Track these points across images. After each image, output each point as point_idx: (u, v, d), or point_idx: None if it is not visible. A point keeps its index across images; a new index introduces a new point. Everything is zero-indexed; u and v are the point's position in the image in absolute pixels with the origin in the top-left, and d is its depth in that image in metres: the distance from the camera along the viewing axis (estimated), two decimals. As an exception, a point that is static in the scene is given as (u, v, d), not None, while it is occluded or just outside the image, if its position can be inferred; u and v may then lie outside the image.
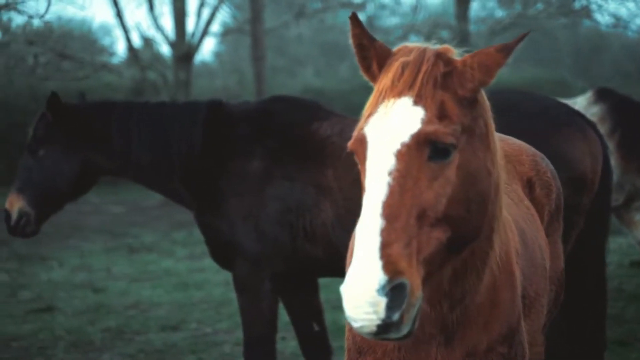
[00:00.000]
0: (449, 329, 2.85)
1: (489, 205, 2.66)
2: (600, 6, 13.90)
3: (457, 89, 2.59)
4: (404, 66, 2.60)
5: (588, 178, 5.31)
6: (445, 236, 2.49)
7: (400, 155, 2.49)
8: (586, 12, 15.03)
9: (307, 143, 5.63)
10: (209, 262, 6.32)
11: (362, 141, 2.60)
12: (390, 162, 2.49)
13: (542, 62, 28.26)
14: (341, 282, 2.59)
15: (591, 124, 5.60)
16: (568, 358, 5.47)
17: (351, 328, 2.92)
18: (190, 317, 8.63)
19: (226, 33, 24.82)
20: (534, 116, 5.46)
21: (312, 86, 24.88)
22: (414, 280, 2.39)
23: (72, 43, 24.73)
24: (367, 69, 2.73)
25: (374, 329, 2.35)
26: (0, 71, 17.05)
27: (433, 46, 2.65)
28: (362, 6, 20.71)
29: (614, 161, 6.94)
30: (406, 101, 2.55)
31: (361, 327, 2.37)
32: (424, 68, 2.57)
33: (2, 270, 11.56)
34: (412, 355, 2.88)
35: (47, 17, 13.66)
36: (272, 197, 5.58)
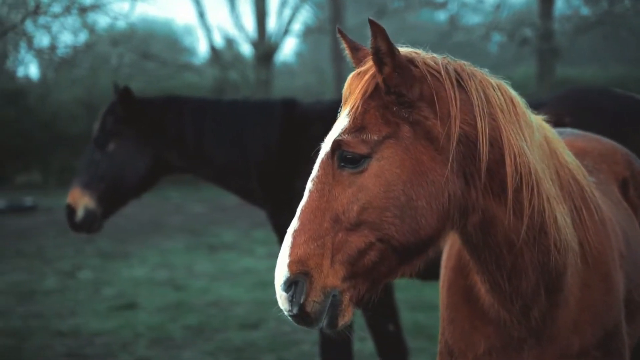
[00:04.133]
0: (534, 330, 2.81)
1: (451, 209, 2.59)
2: (689, 2, 13.54)
3: (385, 96, 2.60)
4: (355, 76, 2.69)
5: None
6: (364, 241, 2.52)
7: (322, 163, 2.64)
8: (675, 8, 14.66)
9: None
10: (287, 261, 6.34)
11: None
12: (315, 169, 2.65)
13: (629, 61, 27.66)
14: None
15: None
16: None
17: (443, 332, 3.02)
18: (270, 315, 8.64)
19: (307, 32, 24.93)
20: (614, 114, 5.34)
21: (392, 85, 24.73)
22: (320, 278, 2.49)
23: (155, 44, 25.18)
24: None
25: (290, 318, 2.54)
26: (85, 71, 17.51)
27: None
28: (443, 5, 20.55)
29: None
30: (345, 111, 2.65)
31: (286, 315, 2.56)
32: (365, 77, 2.63)
33: (86, 267, 11.78)
34: (503, 359, 2.87)
35: (131, 18, 13.94)
36: (346, 197, 5.54)
